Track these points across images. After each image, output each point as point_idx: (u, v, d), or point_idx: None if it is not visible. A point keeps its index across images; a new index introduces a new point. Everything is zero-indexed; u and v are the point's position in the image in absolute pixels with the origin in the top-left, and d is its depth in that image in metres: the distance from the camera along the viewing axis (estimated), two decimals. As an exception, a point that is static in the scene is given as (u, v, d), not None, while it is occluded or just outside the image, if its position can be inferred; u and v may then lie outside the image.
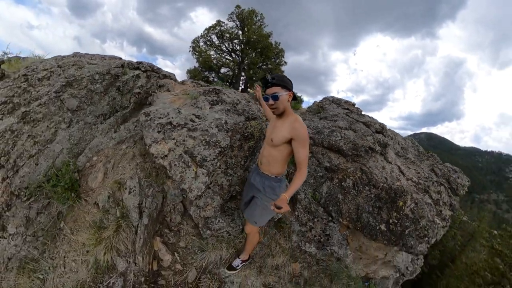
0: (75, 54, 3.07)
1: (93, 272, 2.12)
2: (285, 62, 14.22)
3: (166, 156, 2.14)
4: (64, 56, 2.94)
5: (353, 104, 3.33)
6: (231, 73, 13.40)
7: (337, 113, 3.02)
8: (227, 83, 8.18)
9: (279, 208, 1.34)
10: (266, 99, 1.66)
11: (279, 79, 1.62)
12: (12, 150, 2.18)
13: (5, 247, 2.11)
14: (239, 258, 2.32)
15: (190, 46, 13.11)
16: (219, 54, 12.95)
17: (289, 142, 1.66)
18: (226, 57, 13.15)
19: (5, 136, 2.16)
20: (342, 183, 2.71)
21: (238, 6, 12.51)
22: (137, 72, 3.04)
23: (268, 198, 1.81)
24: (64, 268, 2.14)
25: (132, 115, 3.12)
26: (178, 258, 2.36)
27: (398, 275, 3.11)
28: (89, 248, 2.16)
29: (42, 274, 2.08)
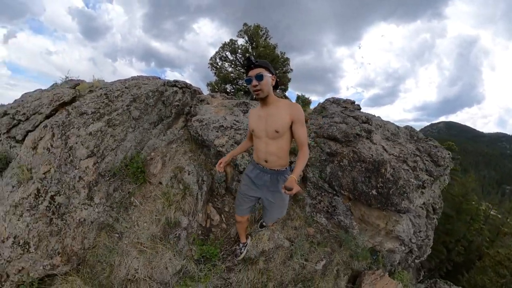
0: (133, 78, 4.00)
1: (162, 228, 2.81)
2: (291, 69, 14.50)
3: (223, 145, 3.04)
4: (126, 79, 3.88)
5: (352, 102, 4.18)
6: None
7: (335, 111, 3.97)
8: (242, 93, 9.23)
9: (290, 189, 1.31)
10: (249, 81, 1.56)
11: (262, 61, 1.59)
12: (101, 144, 2.99)
13: (90, 213, 2.68)
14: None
15: (209, 63, 14.18)
16: (233, 68, 13.90)
17: (290, 126, 1.62)
18: (241, 70, 13.95)
19: (97, 134, 2.99)
20: (340, 163, 3.58)
21: (245, 24, 13.49)
22: (175, 88, 3.97)
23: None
24: (138, 226, 2.80)
25: (173, 122, 3.99)
26: (223, 219, 3.13)
27: (403, 248, 3.31)
28: (160, 212, 2.86)
29: (117, 234, 2.70)
